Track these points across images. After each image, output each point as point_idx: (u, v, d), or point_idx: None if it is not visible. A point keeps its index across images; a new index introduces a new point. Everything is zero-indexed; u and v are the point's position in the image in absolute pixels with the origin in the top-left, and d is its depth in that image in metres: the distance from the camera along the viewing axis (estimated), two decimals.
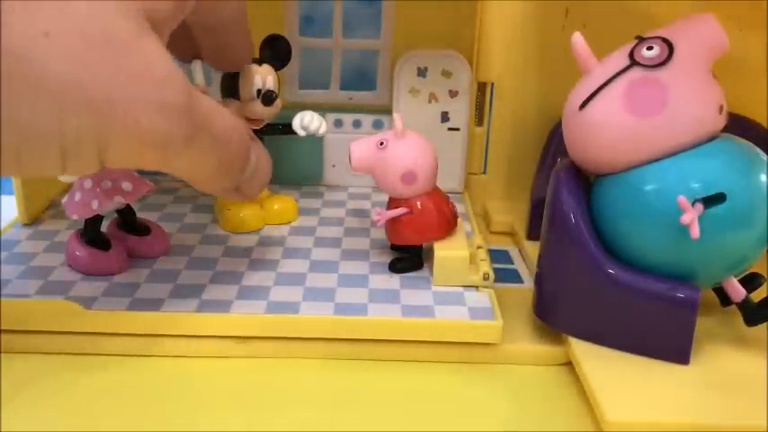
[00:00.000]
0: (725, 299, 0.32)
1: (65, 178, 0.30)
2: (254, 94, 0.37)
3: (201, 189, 0.29)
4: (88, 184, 0.33)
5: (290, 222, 0.42)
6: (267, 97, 0.37)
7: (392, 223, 0.35)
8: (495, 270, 0.34)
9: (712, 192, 0.28)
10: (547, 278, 0.32)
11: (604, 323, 0.30)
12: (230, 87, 0.37)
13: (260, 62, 0.37)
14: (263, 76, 0.37)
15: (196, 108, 0.25)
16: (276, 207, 0.41)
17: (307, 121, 0.39)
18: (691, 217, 0.27)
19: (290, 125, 0.39)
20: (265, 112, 0.38)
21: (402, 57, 0.44)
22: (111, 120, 0.22)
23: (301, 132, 0.39)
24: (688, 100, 0.29)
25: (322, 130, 0.39)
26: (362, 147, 0.35)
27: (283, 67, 0.39)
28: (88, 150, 0.23)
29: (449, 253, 0.34)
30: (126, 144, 0.23)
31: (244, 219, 0.40)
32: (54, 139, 0.22)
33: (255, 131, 0.39)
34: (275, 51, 0.38)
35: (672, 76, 0.29)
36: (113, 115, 0.22)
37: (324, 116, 0.45)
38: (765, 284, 0.32)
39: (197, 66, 0.36)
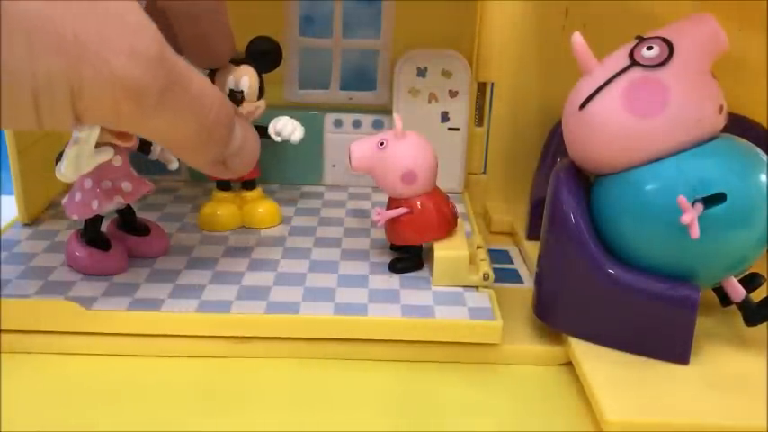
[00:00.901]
0: (725, 299, 0.32)
1: (64, 178, 0.30)
2: (226, 93, 0.37)
3: (187, 160, 0.29)
4: (88, 184, 0.33)
5: (272, 226, 0.41)
6: (231, 97, 0.37)
7: (392, 223, 0.35)
8: (495, 270, 0.34)
9: (712, 192, 0.28)
10: (547, 278, 0.32)
11: (604, 323, 0.30)
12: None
13: (238, 62, 0.37)
14: (237, 77, 0.37)
15: (170, 61, 0.24)
16: (261, 210, 0.41)
17: (279, 127, 0.38)
18: (691, 217, 0.27)
19: (266, 129, 0.39)
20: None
21: (402, 57, 0.44)
22: (82, 61, 0.22)
23: (276, 138, 0.39)
24: (688, 100, 0.29)
25: (295, 136, 0.39)
26: (362, 147, 0.35)
27: (273, 68, 0.39)
28: (61, 94, 0.22)
29: (449, 253, 0.34)
30: (99, 90, 0.23)
31: (211, 217, 0.40)
32: (25, 80, 0.22)
33: None
34: (252, 52, 0.38)
35: (672, 77, 0.29)
36: (84, 56, 0.22)
37: (324, 116, 0.45)
38: (765, 284, 0.32)
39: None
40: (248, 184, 0.41)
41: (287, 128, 0.38)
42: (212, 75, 0.37)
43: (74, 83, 0.22)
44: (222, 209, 0.40)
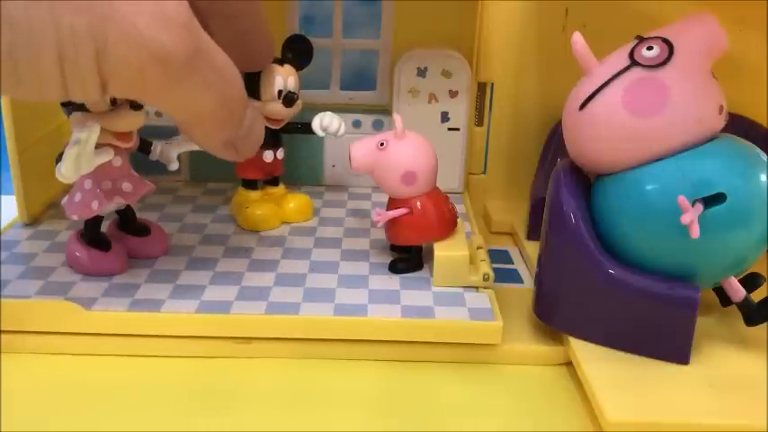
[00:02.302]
0: (725, 299, 0.32)
1: (64, 179, 0.30)
2: (275, 94, 0.37)
3: (203, 138, 0.29)
4: (88, 184, 0.33)
5: (307, 220, 0.41)
6: (289, 99, 0.37)
7: (392, 224, 0.35)
8: (495, 270, 0.34)
9: (712, 192, 0.28)
10: (547, 278, 0.32)
11: (604, 323, 0.30)
12: (251, 87, 0.37)
13: (281, 62, 0.37)
14: (285, 77, 0.37)
15: (197, 30, 0.24)
16: (291, 205, 0.41)
17: (326, 123, 0.39)
18: (691, 217, 0.27)
19: (308, 124, 0.39)
20: (286, 113, 0.38)
21: (402, 57, 0.44)
22: (108, 20, 0.22)
23: (320, 133, 0.39)
24: (688, 100, 0.29)
25: (341, 131, 0.39)
26: (362, 147, 0.35)
27: (304, 67, 0.39)
28: (85, 55, 0.22)
29: (449, 253, 0.34)
30: (125, 51, 0.22)
31: (261, 216, 0.40)
32: (48, 39, 0.21)
33: (275, 130, 0.39)
34: (298, 52, 0.38)
35: (672, 77, 0.29)
36: (110, 16, 0.22)
37: None
38: (765, 284, 0.32)
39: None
40: (273, 181, 0.42)
41: (333, 123, 0.39)
42: (256, 76, 0.37)
43: (99, 43, 0.22)
44: (264, 208, 0.40)
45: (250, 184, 0.41)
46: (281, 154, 0.41)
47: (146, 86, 0.24)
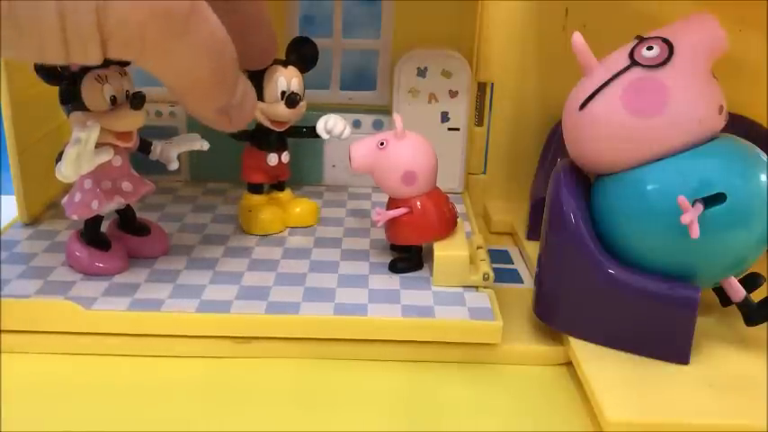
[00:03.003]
0: (725, 299, 0.32)
1: (64, 178, 0.30)
2: (279, 95, 0.37)
3: (196, 106, 0.29)
4: (88, 184, 0.33)
5: (311, 226, 0.41)
6: (291, 100, 0.37)
7: (392, 223, 0.35)
8: (495, 270, 0.34)
9: (712, 192, 0.28)
10: (547, 278, 0.32)
11: (604, 323, 0.30)
12: (254, 88, 0.37)
13: (285, 64, 0.37)
14: (288, 78, 0.37)
15: None
16: (297, 210, 0.41)
17: (330, 125, 0.39)
18: (691, 217, 0.27)
19: (314, 128, 0.39)
20: (289, 115, 0.38)
21: (402, 57, 0.44)
22: None
23: (325, 136, 0.39)
24: (688, 100, 0.29)
25: (346, 133, 0.39)
26: (362, 147, 0.35)
27: (309, 69, 0.39)
28: (86, 12, 0.22)
29: (449, 253, 0.34)
30: (126, 6, 0.23)
31: (264, 221, 0.40)
32: None
33: (280, 134, 0.39)
34: (302, 54, 0.38)
35: (672, 77, 0.29)
36: None
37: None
38: (765, 284, 0.32)
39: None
40: (279, 186, 0.42)
41: (338, 126, 0.39)
42: (260, 77, 0.37)
43: (99, 1, 0.22)
44: (269, 212, 0.40)
45: (255, 189, 0.41)
46: (285, 157, 0.40)
47: (145, 45, 0.24)
